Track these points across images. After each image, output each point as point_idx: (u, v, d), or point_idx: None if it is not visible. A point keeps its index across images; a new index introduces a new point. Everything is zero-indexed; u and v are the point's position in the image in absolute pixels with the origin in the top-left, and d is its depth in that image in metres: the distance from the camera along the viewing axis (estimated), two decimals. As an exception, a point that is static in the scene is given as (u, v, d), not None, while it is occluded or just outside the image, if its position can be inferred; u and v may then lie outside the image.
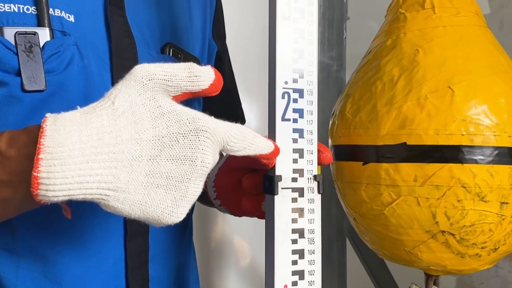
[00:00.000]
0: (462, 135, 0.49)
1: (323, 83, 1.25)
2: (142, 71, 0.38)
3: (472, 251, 0.52)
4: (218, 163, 0.58)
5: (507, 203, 0.50)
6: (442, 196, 0.50)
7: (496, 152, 0.49)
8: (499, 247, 0.52)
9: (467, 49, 0.53)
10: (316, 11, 0.46)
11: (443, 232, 0.51)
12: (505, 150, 0.49)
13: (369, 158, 0.53)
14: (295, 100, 0.44)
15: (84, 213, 0.52)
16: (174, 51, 0.63)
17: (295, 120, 0.44)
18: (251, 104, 1.22)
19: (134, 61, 0.55)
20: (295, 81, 0.44)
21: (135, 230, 0.55)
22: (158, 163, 0.36)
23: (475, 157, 0.49)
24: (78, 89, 0.51)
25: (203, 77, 0.40)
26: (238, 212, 0.58)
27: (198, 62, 0.67)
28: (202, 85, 0.40)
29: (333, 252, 1.23)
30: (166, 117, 0.37)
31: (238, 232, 1.28)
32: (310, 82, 0.45)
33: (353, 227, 0.60)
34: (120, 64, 0.54)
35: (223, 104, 0.71)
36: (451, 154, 0.49)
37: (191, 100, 0.65)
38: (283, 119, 0.44)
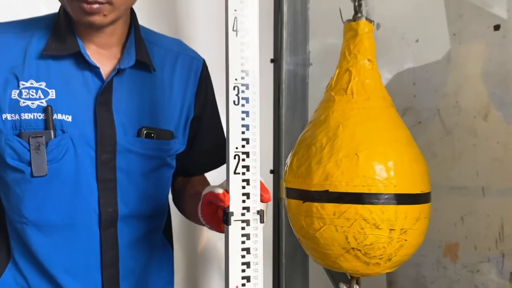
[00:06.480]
0: (363, 186, 0.75)
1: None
2: None
3: (374, 261, 0.78)
4: (199, 200, 0.75)
5: (393, 229, 0.76)
6: (351, 225, 0.76)
7: (386, 197, 0.75)
8: (392, 258, 0.78)
9: (372, 125, 0.79)
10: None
11: (353, 248, 0.77)
12: (392, 195, 0.75)
13: (306, 198, 0.79)
14: (243, 159, 0.62)
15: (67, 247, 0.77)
16: (147, 133, 0.80)
17: (243, 173, 0.63)
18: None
19: (113, 146, 0.76)
20: (243, 146, 0.63)
21: (108, 261, 0.79)
22: None
23: (372, 200, 0.75)
24: (70, 172, 0.74)
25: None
26: (222, 231, 0.77)
27: (172, 134, 0.83)
28: None
29: (297, 257, 1.46)
30: None
31: (220, 239, 1.45)
32: (254, 146, 0.64)
33: (300, 244, 0.86)
34: (102, 150, 0.75)
35: (209, 153, 0.88)
36: (356, 198, 0.75)
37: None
38: (235, 173, 0.62)
